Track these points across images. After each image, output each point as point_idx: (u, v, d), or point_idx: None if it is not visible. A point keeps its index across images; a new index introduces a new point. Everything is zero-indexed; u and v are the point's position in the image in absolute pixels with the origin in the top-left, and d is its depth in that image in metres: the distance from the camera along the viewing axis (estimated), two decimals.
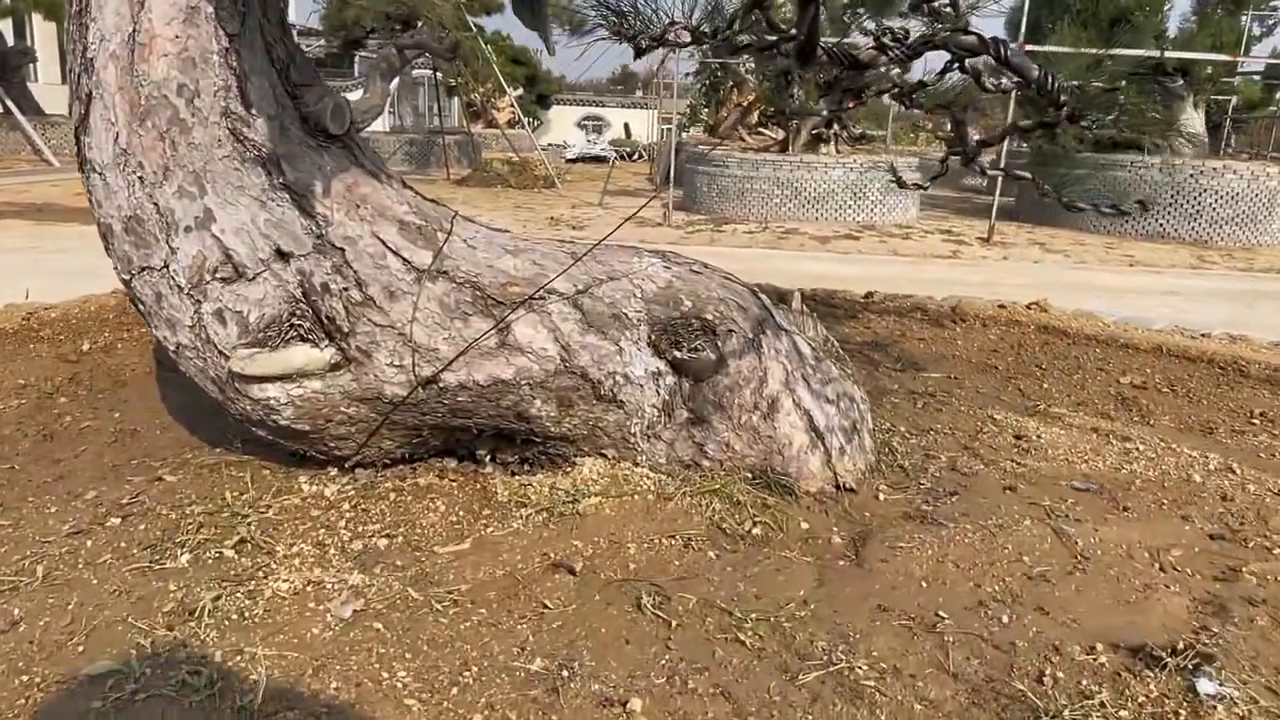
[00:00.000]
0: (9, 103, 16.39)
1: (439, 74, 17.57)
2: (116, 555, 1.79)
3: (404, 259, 2.03)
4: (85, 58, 1.90)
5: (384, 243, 2.02)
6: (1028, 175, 2.76)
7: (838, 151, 14.04)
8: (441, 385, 2.04)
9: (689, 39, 2.41)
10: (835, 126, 13.96)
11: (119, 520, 1.94)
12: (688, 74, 17.58)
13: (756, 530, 2.01)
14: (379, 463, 2.23)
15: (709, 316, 2.21)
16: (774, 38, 2.61)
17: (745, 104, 18.67)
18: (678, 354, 2.18)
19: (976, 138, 2.97)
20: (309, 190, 1.98)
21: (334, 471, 2.21)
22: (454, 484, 2.16)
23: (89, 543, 1.84)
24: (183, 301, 1.96)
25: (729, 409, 2.20)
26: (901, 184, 2.91)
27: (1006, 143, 12.66)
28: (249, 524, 1.91)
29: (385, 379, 2.03)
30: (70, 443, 2.38)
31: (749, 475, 2.18)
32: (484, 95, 20.00)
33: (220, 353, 1.98)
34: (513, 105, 19.39)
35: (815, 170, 13.19)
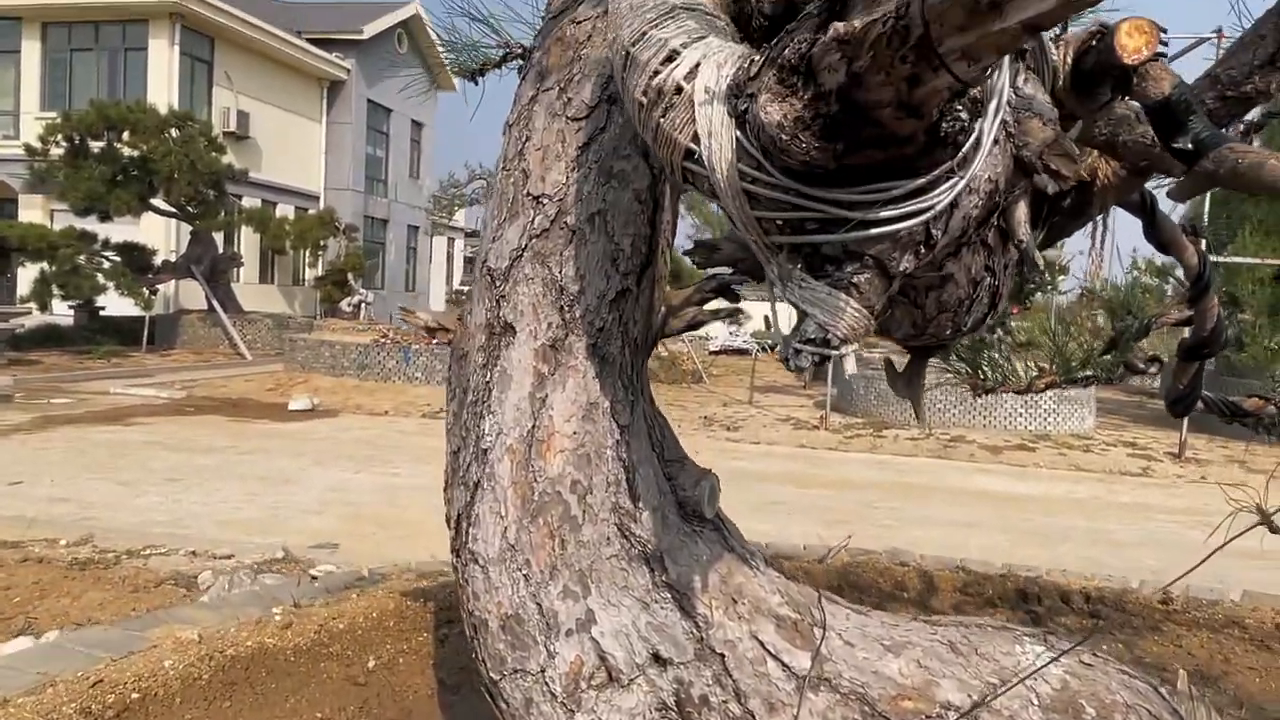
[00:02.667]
0: (215, 302, 18.29)
1: None
2: None
3: (783, 663, 1.84)
4: (479, 447, 1.88)
5: (763, 645, 1.85)
6: None
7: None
8: None
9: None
10: (1000, 331, 13.63)
11: None
12: None
13: None
14: None
15: None
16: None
17: None
18: None
19: None
20: (689, 588, 1.84)
21: None
22: None
23: None
24: (555, 710, 1.82)
25: None
26: None
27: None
28: None
29: None
30: None
31: None
32: None
33: None
34: None
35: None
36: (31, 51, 21.64)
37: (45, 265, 16.28)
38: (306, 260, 23.73)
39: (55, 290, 16.28)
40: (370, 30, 25.56)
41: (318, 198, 25.41)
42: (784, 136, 1.11)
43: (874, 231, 1.19)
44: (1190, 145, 1.43)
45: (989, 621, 2.08)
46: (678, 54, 1.32)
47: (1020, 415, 12.42)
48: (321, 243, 21.57)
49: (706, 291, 2.04)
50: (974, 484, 9.96)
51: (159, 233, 19.70)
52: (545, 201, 1.85)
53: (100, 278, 16.50)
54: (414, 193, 29.11)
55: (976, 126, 1.17)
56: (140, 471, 9.10)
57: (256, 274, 23.25)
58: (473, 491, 1.89)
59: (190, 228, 18.78)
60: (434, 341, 14.97)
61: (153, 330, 18.21)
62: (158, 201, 17.87)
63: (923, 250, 1.26)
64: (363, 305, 21.64)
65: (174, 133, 17.37)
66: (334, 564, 5.54)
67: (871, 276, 1.25)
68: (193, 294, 19.75)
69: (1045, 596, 3.45)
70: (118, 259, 17.21)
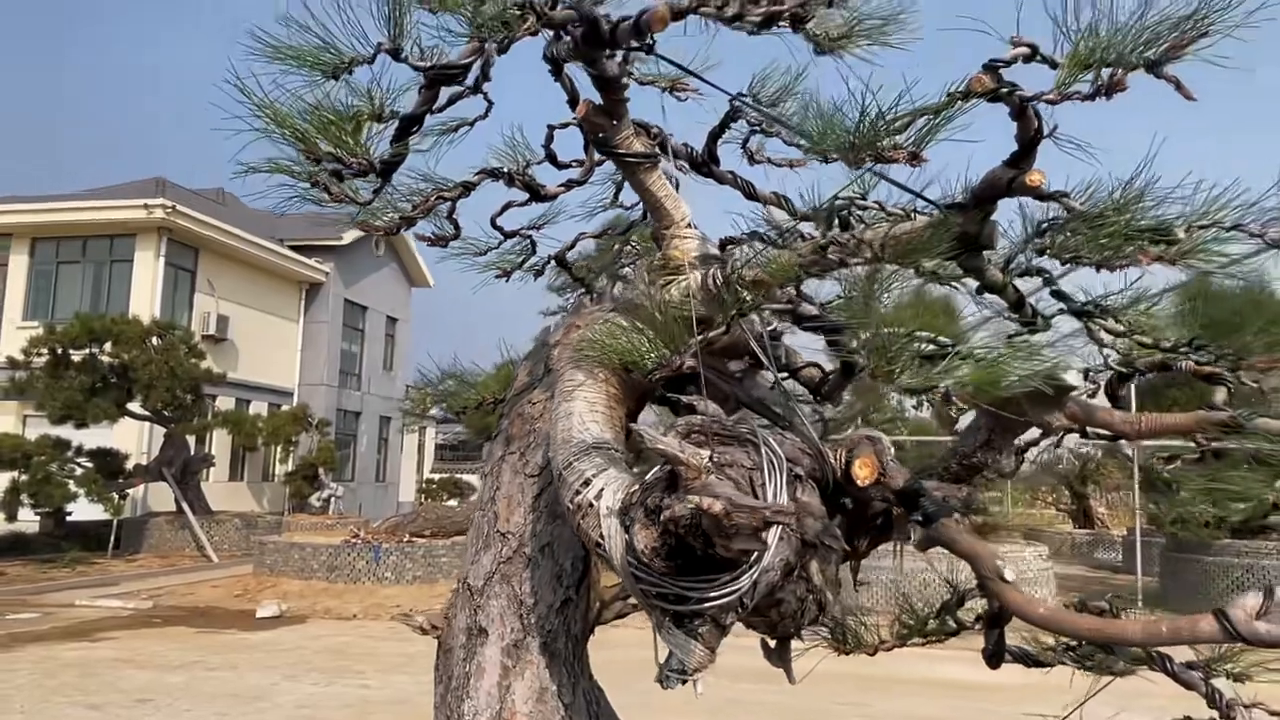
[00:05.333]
0: (185, 504, 18.51)
1: None
2: None
3: None
4: None
5: None
6: None
7: None
8: None
9: None
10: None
11: None
12: None
13: None
14: None
15: None
16: None
17: None
18: None
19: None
20: None
21: None
22: None
23: None
24: None
25: None
26: None
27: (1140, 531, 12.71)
28: None
29: None
30: None
31: None
32: None
33: None
34: None
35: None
36: (19, 265, 22.81)
37: (16, 474, 16.54)
38: (278, 456, 24.15)
39: (24, 499, 16.47)
40: (349, 237, 27.41)
41: (291, 394, 26.19)
42: (645, 558, 1.89)
43: (706, 605, 1.95)
44: (921, 518, 2.25)
45: None
46: (590, 481, 2.12)
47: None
48: (294, 439, 22.13)
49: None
50: (935, 673, 10.12)
51: (132, 436, 20.12)
52: (510, 537, 2.60)
53: (71, 485, 16.76)
54: (388, 385, 30.08)
55: (768, 539, 1.96)
56: (111, 693, 9.17)
57: (226, 472, 23.52)
58: None
59: (165, 430, 19.26)
60: (404, 540, 15.31)
61: (119, 534, 18.25)
62: (134, 406, 18.44)
63: (741, 610, 2.01)
64: (333, 499, 21.92)
65: (155, 341, 18.24)
66: None
67: (711, 628, 2.00)
68: (162, 495, 19.93)
69: None
70: (90, 465, 17.53)
